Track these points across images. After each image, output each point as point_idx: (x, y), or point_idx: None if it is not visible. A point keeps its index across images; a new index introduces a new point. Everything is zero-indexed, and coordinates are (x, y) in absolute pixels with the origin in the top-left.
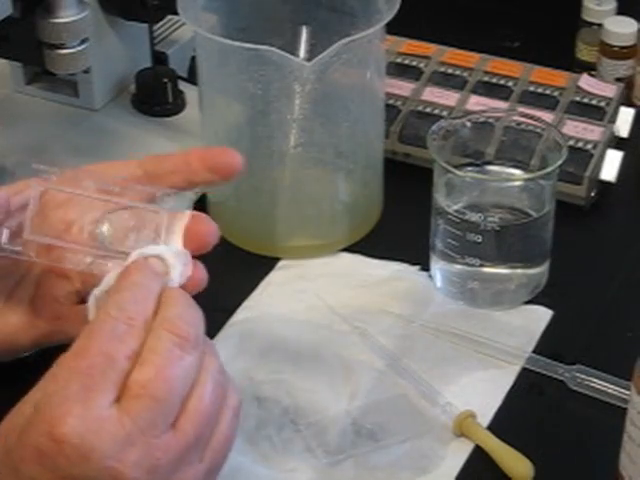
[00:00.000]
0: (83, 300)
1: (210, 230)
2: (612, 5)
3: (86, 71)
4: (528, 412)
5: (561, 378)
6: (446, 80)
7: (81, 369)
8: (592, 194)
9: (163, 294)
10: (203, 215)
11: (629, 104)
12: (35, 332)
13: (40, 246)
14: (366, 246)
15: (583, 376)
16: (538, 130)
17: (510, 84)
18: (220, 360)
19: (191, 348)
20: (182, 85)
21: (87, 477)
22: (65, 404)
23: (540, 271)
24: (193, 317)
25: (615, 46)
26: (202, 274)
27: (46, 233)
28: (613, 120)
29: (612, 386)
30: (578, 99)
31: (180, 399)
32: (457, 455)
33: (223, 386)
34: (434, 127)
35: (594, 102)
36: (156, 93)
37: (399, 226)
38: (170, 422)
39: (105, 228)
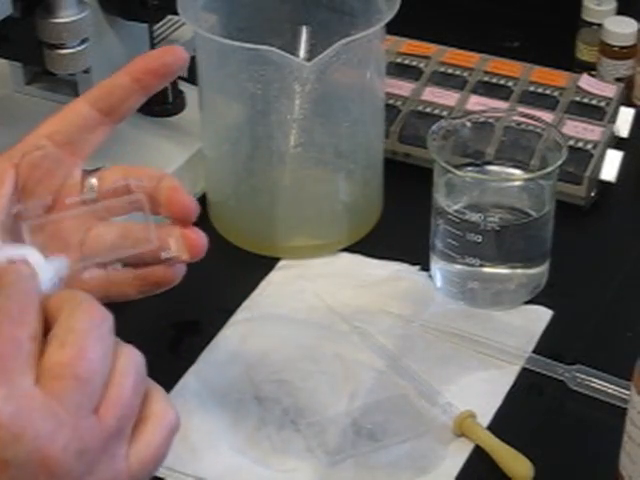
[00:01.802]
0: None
1: (200, 241)
2: (612, 5)
3: (86, 71)
4: (528, 412)
5: (561, 378)
6: (446, 80)
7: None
8: (592, 194)
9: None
10: (174, 182)
11: (629, 104)
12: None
13: None
14: (366, 246)
15: (583, 376)
16: (538, 130)
17: (510, 84)
18: (143, 360)
19: (108, 331)
20: (182, 85)
21: (17, 460)
22: None
23: (540, 271)
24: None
25: (615, 46)
26: (201, 240)
27: None
28: (613, 120)
29: (612, 386)
30: (578, 99)
31: (102, 382)
32: (457, 455)
33: (147, 388)
34: (434, 127)
35: (594, 102)
36: (156, 93)
37: (399, 226)
38: (94, 405)
39: (93, 179)
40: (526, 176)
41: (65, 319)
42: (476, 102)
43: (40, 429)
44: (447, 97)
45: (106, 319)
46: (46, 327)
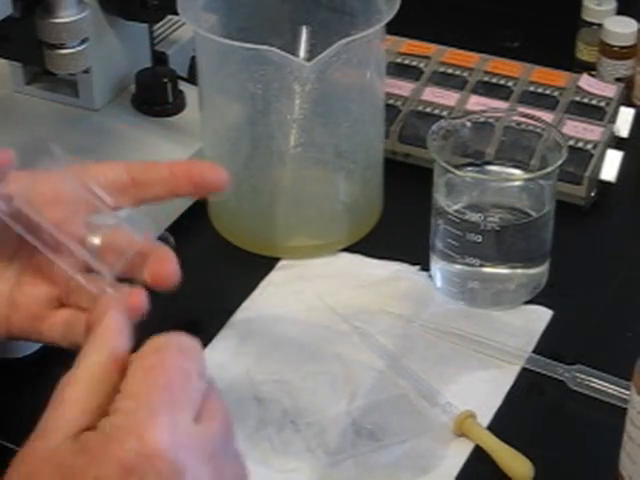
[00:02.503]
0: (62, 305)
1: (170, 271)
2: (612, 5)
3: (86, 71)
4: (528, 412)
5: (561, 378)
6: (446, 80)
7: (160, 384)
8: (592, 194)
9: None
10: (169, 254)
11: (629, 104)
12: (9, 325)
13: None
14: (366, 246)
15: (583, 376)
16: (538, 130)
17: (510, 84)
18: None
19: None
20: (182, 85)
21: None
22: (153, 418)
23: (540, 271)
24: None
25: (615, 46)
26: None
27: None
28: (613, 120)
29: (612, 386)
30: (578, 99)
31: None
32: (457, 455)
33: None
34: (434, 127)
35: (594, 102)
36: (156, 93)
37: (399, 226)
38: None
39: (97, 240)
40: (526, 176)
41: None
42: (476, 102)
43: (197, 469)
44: (447, 97)
45: None
46: None
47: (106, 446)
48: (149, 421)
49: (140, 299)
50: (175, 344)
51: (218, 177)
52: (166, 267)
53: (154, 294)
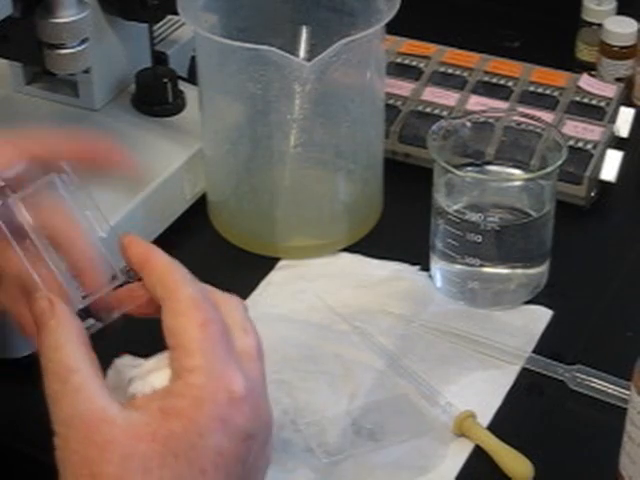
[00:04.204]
0: None
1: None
2: (612, 5)
3: (86, 71)
4: (528, 412)
5: (561, 378)
6: (446, 80)
7: (213, 337)
8: (592, 194)
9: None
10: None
11: (629, 104)
12: None
13: None
14: (366, 246)
15: (583, 376)
16: (538, 130)
17: (510, 84)
18: None
19: None
20: (182, 85)
21: (257, 434)
22: (227, 369)
23: (540, 271)
24: None
25: (615, 46)
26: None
27: None
28: (613, 120)
29: (612, 386)
30: (578, 99)
31: None
32: (457, 455)
33: None
34: (434, 127)
35: (594, 102)
36: (156, 93)
37: (399, 226)
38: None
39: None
40: (526, 176)
41: (232, 309)
42: (476, 102)
43: (265, 406)
44: (447, 97)
45: None
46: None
47: (199, 407)
48: (226, 372)
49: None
50: (210, 297)
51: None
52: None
53: None
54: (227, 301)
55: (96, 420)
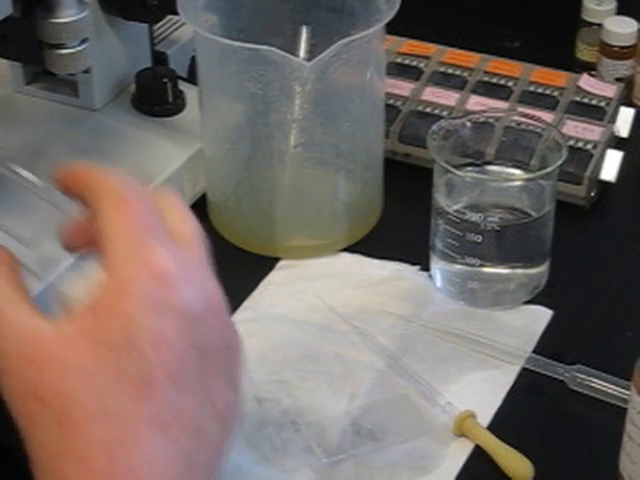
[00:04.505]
0: None
1: None
2: (612, 5)
3: (86, 71)
4: (528, 412)
5: (561, 378)
6: (446, 80)
7: (136, 225)
8: (592, 194)
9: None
10: None
11: (629, 104)
12: None
13: None
14: (366, 246)
15: (583, 376)
16: (538, 130)
17: (510, 84)
18: None
19: None
20: (182, 85)
21: (206, 316)
22: (150, 250)
23: (540, 271)
24: None
25: (615, 46)
26: None
27: None
28: (613, 120)
29: (612, 386)
30: (578, 99)
31: None
32: (457, 455)
33: None
34: (434, 127)
35: (594, 102)
36: (156, 93)
37: (399, 226)
38: None
39: None
40: (526, 176)
41: (169, 203)
42: (476, 102)
43: (213, 287)
44: (447, 97)
45: None
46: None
47: (126, 295)
48: (149, 254)
49: None
50: (144, 193)
51: None
52: None
53: None
54: (164, 196)
55: (29, 340)
